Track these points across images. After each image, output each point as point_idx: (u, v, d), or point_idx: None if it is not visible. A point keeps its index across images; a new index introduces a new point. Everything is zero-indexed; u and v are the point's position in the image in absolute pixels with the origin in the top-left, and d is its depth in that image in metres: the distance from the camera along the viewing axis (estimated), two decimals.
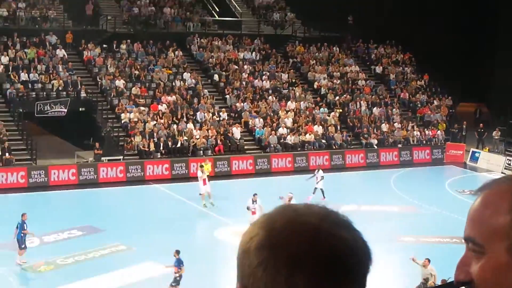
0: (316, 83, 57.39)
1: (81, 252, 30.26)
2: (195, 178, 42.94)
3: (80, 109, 46.49)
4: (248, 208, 32.99)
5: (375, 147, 51.94)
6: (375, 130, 53.46)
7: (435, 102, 59.26)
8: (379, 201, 40.56)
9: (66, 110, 45.06)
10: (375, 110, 55.82)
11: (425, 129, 55.20)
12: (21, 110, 44.93)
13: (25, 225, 28.48)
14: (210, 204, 36.88)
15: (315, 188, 40.03)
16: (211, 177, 43.09)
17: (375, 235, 33.49)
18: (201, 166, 38.62)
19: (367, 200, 40.45)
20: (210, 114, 49.58)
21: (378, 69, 61.87)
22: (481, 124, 56.16)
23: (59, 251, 30.23)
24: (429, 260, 27.05)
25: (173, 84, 51.64)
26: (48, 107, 45.11)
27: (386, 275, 29.75)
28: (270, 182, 44.61)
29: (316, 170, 41.24)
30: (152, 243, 30.88)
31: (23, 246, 28.37)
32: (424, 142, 54.28)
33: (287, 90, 55.05)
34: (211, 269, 29.64)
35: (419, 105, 58.84)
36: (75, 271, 28.25)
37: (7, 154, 41.26)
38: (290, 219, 1.77)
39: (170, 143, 46.08)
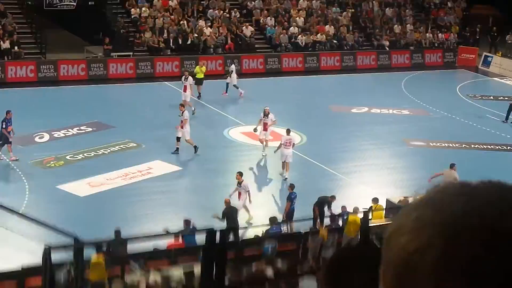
0: None
1: (90, 149, 30.29)
2: (206, 76, 42.80)
3: (90, 2, 45.86)
4: (255, 130, 31.90)
5: (387, 48, 51.41)
6: (387, 31, 52.80)
7: (449, 4, 58.36)
8: (389, 104, 40.40)
9: (75, 4, 44.49)
10: (388, 10, 55.03)
11: (438, 32, 54.49)
12: (29, 2, 44.38)
13: (4, 122, 28.29)
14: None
15: (227, 83, 39.97)
16: (221, 76, 42.92)
17: (385, 138, 33.60)
18: (186, 71, 38.00)
19: (378, 103, 40.30)
20: (221, 11, 48.93)
21: None
22: (494, 28, 55.37)
23: (69, 147, 30.25)
24: (452, 166, 26.89)
25: None
26: (57, 0, 44.49)
27: (397, 178, 29.86)
28: (281, 82, 44.38)
29: (229, 64, 41.62)
30: (161, 141, 30.83)
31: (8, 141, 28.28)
32: (436, 45, 53.66)
33: None
34: (221, 167, 29.71)
35: (432, 7, 57.97)
36: (85, 167, 28.34)
37: (16, 47, 40.92)
38: (480, 220, 1.20)
39: (180, 40, 45.62)
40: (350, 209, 23.64)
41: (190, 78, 36.27)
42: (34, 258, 11.05)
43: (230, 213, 22.98)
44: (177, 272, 18.58)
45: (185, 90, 36.04)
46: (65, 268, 16.80)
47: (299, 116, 37.04)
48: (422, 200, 1.27)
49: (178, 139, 30.28)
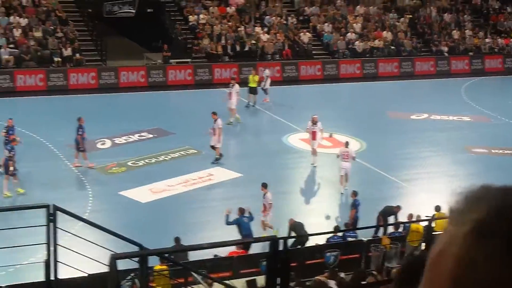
0: None
1: (151, 155, 30.53)
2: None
3: (148, 10, 46.22)
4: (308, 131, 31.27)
5: (446, 54, 50.94)
6: (445, 37, 52.34)
7: (509, 9, 57.63)
8: (449, 110, 40.00)
9: (134, 11, 44.89)
10: (446, 16, 54.57)
11: (498, 37, 53.84)
12: (90, 10, 44.93)
13: (80, 129, 28.53)
14: (236, 120, 35.84)
15: (264, 89, 39.62)
16: (279, 82, 42.98)
17: (446, 144, 33.26)
18: (232, 79, 37.86)
19: (437, 109, 39.94)
20: (278, 18, 48.99)
21: None
22: None
23: (130, 153, 30.53)
24: None
25: None
26: (117, 8, 44.96)
27: (459, 185, 29.46)
28: (338, 88, 44.25)
29: (263, 70, 40.90)
30: (222, 147, 30.87)
31: (81, 148, 28.57)
32: (496, 50, 53.03)
33: None
34: (280, 174, 29.68)
35: (491, 12, 57.31)
36: (146, 173, 28.56)
37: (77, 54, 41.46)
38: None
39: (238, 47, 45.78)
40: (413, 217, 23.47)
41: (236, 85, 36.10)
42: (98, 266, 11.11)
43: (296, 228, 22.65)
44: (239, 282, 18.64)
45: (230, 98, 35.90)
46: (129, 278, 16.97)
47: (358, 122, 36.89)
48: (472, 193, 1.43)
49: (212, 147, 30.12)
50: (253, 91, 38.34)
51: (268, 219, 24.89)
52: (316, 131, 30.52)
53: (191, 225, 24.43)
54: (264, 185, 24.86)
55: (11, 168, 25.84)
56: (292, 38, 47.80)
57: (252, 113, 37.36)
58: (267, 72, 40.13)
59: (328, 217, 25.40)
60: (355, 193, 24.92)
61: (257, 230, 22.98)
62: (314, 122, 30.74)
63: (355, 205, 24.57)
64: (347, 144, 28.88)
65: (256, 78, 38.84)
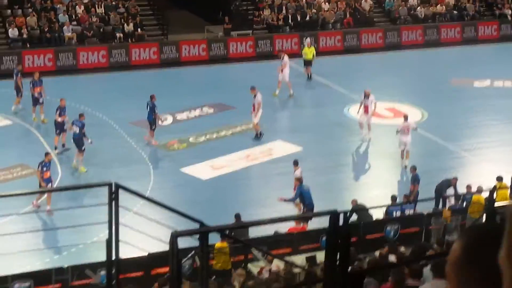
0: None
1: (212, 130, 30.75)
2: (325, 53, 42.71)
3: None
4: (361, 104, 30.30)
5: (509, 18, 49.94)
6: (509, 0, 51.29)
7: None
8: None
9: None
10: None
11: None
12: None
13: (155, 107, 28.82)
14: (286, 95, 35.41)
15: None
16: (340, 52, 42.88)
17: (510, 112, 32.78)
18: (280, 51, 37.36)
19: (501, 75, 39.29)
20: None
21: None
22: None
23: (191, 129, 30.78)
24: None
25: None
26: None
27: None
28: (400, 56, 43.81)
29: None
30: (281, 120, 30.96)
31: (153, 127, 28.92)
32: None
33: None
34: (340, 147, 29.67)
35: None
36: (207, 149, 28.80)
37: (139, 29, 41.81)
38: None
39: (299, 17, 45.62)
40: (473, 188, 23.29)
41: (285, 57, 35.81)
42: (159, 244, 11.32)
43: (359, 212, 22.47)
44: (299, 258, 18.79)
45: (282, 71, 35.60)
46: (190, 255, 17.24)
47: (419, 91, 36.59)
48: None
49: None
50: (308, 63, 37.89)
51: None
52: (368, 105, 29.82)
53: (252, 201, 24.65)
54: (296, 163, 24.74)
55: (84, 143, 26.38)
56: (353, 6, 47.44)
57: (313, 84, 37.26)
58: (308, 40, 39.57)
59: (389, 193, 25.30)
60: (414, 168, 24.79)
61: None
62: (366, 95, 30.05)
63: (416, 180, 24.43)
64: (406, 117, 28.23)
65: (312, 50, 38.23)
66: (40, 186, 22.81)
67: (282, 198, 22.91)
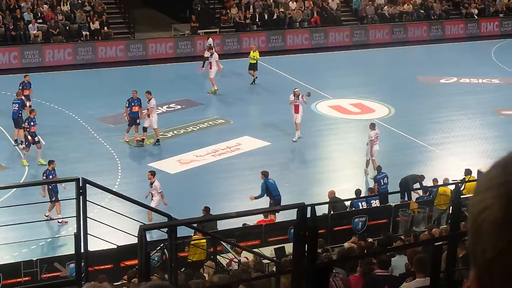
0: None
1: (180, 126, 30.72)
2: (291, 51, 42.87)
3: None
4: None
5: (476, 17, 50.40)
6: None
7: None
8: (479, 73, 39.74)
9: None
10: None
11: None
12: None
13: (134, 101, 28.78)
14: (211, 90, 35.26)
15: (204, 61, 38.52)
16: (307, 50, 43.02)
17: (475, 108, 33.10)
18: (210, 48, 37.04)
19: (467, 72, 39.72)
20: None
21: None
22: None
23: (159, 125, 30.63)
24: None
25: None
26: None
27: (489, 148, 29.38)
28: (367, 54, 44.01)
29: (207, 37, 39.90)
30: (249, 116, 30.95)
31: (138, 121, 28.88)
32: None
33: None
34: (308, 142, 29.73)
35: None
36: (175, 144, 28.76)
37: (105, 27, 41.61)
38: None
39: (266, 15, 45.66)
40: (440, 181, 23.46)
41: (215, 54, 35.74)
42: (127, 237, 11.29)
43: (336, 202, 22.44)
44: (268, 250, 18.79)
45: (210, 67, 35.56)
46: (159, 248, 17.17)
47: (387, 88, 36.77)
48: (501, 160, 1.32)
49: (144, 129, 28.61)
50: (253, 67, 37.10)
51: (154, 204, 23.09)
52: (299, 105, 29.33)
53: (220, 195, 24.65)
54: (152, 173, 23.24)
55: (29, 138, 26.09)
56: (321, 4, 47.57)
57: (281, 81, 37.30)
58: (210, 41, 39.30)
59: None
60: (378, 169, 24.92)
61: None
62: (296, 95, 29.42)
63: (377, 180, 24.52)
64: (373, 126, 27.18)
65: (257, 54, 37.31)
66: (51, 198, 22.18)
67: (253, 197, 22.89)
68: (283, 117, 30.87)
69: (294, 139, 29.49)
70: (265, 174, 23.28)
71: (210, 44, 38.45)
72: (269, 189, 22.96)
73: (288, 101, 29.67)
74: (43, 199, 21.04)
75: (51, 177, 22.68)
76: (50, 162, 23.24)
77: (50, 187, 22.24)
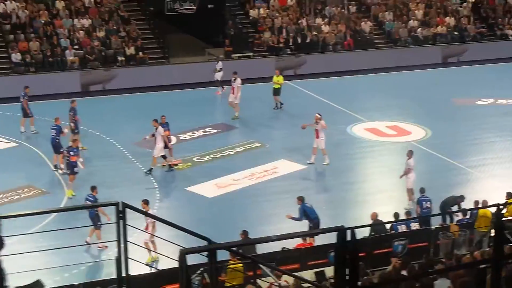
0: None
1: (216, 150, 30.79)
2: (324, 74, 42.91)
3: (209, 6, 46.42)
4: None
5: (510, 38, 50.12)
6: (510, 20, 51.48)
7: None
8: None
9: (195, 7, 45.17)
10: None
11: None
12: (151, 8, 45.33)
13: (163, 126, 28.85)
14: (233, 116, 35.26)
15: (216, 80, 39.04)
16: (340, 73, 43.02)
17: None
18: (234, 73, 36.15)
19: (503, 94, 39.39)
20: (339, 8, 48.83)
21: None
22: None
23: (196, 149, 30.84)
24: None
25: None
26: (178, 5, 45.30)
27: None
28: (401, 77, 43.88)
29: (216, 62, 39.97)
30: (285, 140, 30.88)
31: (170, 145, 29.05)
32: None
33: None
34: (345, 165, 29.64)
35: None
36: (212, 168, 28.80)
37: (140, 53, 41.92)
38: None
39: (299, 39, 45.75)
40: (480, 203, 23.25)
41: (238, 79, 35.55)
42: (167, 261, 11.31)
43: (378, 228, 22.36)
44: (307, 274, 18.69)
45: (232, 92, 35.53)
46: (199, 272, 17.13)
47: (423, 110, 36.64)
48: None
49: (164, 156, 28.52)
50: (276, 92, 36.99)
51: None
52: (319, 130, 29.05)
53: (258, 219, 24.60)
54: (146, 202, 21.95)
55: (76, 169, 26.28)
56: (353, 28, 47.60)
57: (315, 104, 37.27)
58: (220, 64, 39.51)
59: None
60: (421, 190, 24.49)
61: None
62: (316, 120, 29.17)
63: (419, 202, 24.24)
64: (411, 153, 26.44)
65: (281, 79, 37.22)
66: (94, 223, 22.21)
67: (289, 216, 22.81)
68: None
69: (324, 163, 29.38)
70: (301, 200, 23.21)
71: (221, 68, 38.69)
72: (307, 213, 22.89)
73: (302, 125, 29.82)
74: (85, 223, 21.10)
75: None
76: (93, 188, 23.15)
77: (94, 213, 22.24)
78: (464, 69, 45.96)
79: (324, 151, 29.29)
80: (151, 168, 28.21)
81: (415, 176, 26.09)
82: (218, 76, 39.20)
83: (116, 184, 26.86)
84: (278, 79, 37.00)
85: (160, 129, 28.33)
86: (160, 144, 28.26)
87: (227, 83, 37.03)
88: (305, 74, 43.26)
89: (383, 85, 41.90)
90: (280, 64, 42.75)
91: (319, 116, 29.51)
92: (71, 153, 26.33)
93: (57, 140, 28.15)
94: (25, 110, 32.23)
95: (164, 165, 28.74)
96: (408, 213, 23.73)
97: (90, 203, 22.56)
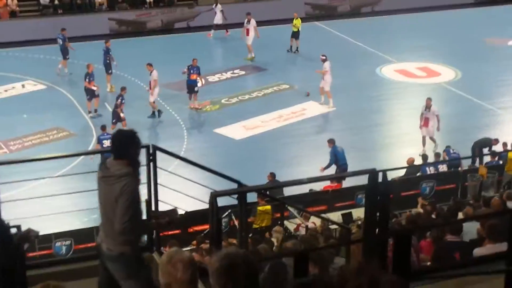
0: None
1: (244, 92, 30.75)
2: (352, 15, 42.48)
3: None
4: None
5: None
6: None
7: None
8: None
9: None
10: None
11: None
12: None
13: (193, 69, 28.79)
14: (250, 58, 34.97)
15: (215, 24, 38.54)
16: (371, 13, 42.48)
17: None
18: (248, 14, 35.89)
19: None
20: None
21: None
22: None
23: (224, 91, 30.79)
24: None
25: None
26: None
27: None
28: (433, 17, 43.27)
29: (214, 5, 39.03)
30: (314, 81, 30.69)
31: (196, 89, 28.95)
32: None
33: None
34: (373, 106, 29.48)
35: None
36: (240, 110, 28.79)
37: None
38: None
39: None
40: (509, 146, 23.10)
41: (253, 20, 35.18)
42: (195, 202, 11.33)
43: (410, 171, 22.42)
44: (335, 215, 18.77)
45: (247, 34, 35.19)
46: (227, 213, 17.24)
47: (453, 50, 36.22)
48: None
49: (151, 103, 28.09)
50: (295, 35, 36.47)
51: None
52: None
53: (285, 161, 24.59)
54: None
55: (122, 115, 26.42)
56: None
57: (345, 45, 37.01)
58: (219, 6, 38.88)
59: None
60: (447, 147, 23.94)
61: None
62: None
63: (446, 150, 23.84)
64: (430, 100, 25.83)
65: (298, 22, 36.56)
66: None
67: (322, 168, 22.77)
68: (347, 80, 30.72)
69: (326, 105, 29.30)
70: (332, 142, 23.18)
71: (222, 10, 38.48)
72: (337, 157, 22.89)
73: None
74: None
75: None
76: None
77: None
78: (496, 8, 45.16)
79: (329, 94, 29.15)
80: (154, 111, 27.98)
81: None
82: (218, 19, 38.71)
83: (145, 126, 26.91)
84: (296, 22, 36.50)
85: (154, 73, 27.97)
86: (157, 89, 27.94)
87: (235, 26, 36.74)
88: (333, 15, 42.80)
89: (413, 25, 41.35)
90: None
91: (323, 57, 29.39)
92: (123, 100, 26.47)
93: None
94: (66, 51, 32.49)
95: (194, 107, 28.77)
96: (437, 154, 23.64)
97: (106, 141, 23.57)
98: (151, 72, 28.04)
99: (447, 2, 45.13)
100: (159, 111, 28.01)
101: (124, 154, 7.25)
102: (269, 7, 40.94)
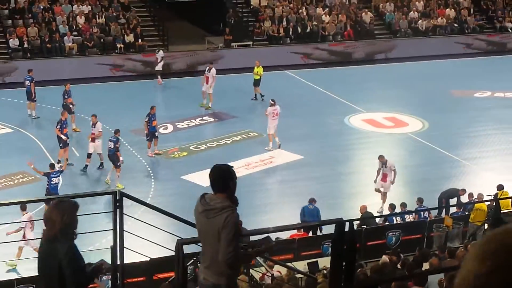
0: None
1: (213, 139, 30.79)
2: (325, 64, 42.84)
3: None
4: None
5: (510, 31, 50.03)
6: (510, 13, 51.37)
7: None
8: None
9: None
10: None
11: None
12: None
13: (153, 116, 28.73)
14: (206, 106, 35.05)
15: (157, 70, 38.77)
16: (340, 63, 42.90)
17: (510, 122, 32.83)
18: (210, 63, 36.58)
19: (501, 86, 39.33)
20: None
21: None
22: None
23: (192, 137, 30.81)
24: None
25: None
26: None
27: None
28: (400, 68, 43.82)
29: (157, 50, 39.51)
30: (282, 130, 30.84)
31: (156, 134, 28.90)
32: None
33: None
34: (343, 155, 29.63)
35: None
36: (208, 157, 28.73)
37: (139, 40, 41.83)
38: None
39: (299, 28, 45.65)
40: (475, 196, 23.28)
41: (213, 69, 35.29)
42: (160, 250, 11.27)
43: (368, 219, 22.44)
44: (301, 265, 18.71)
45: (206, 82, 35.16)
46: (192, 261, 17.10)
47: (420, 101, 36.57)
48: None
49: (89, 155, 27.33)
50: (256, 83, 36.66)
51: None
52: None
53: (252, 208, 24.52)
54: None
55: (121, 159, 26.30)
56: (354, 18, 47.48)
57: (313, 94, 37.26)
58: (161, 53, 39.22)
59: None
60: (420, 200, 23.40)
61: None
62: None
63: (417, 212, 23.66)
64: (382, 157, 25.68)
65: (261, 70, 36.50)
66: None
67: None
68: (316, 129, 30.85)
69: (266, 148, 29.78)
70: (311, 200, 22.99)
71: (163, 57, 38.69)
72: (304, 214, 22.73)
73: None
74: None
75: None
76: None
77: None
78: (463, 61, 45.79)
79: (270, 137, 29.67)
80: (102, 163, 27.54)
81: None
82: (160, 66, 38.85)
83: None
84: (258, 70, 36.58)
85: (99, 124, 27.59)
86: (100, 140, 27.42)
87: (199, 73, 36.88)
88: (304, 64, 43.14)
89: (381, 76, 41.78)
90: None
91: (272, 102, 30.03)
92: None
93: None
94: (31, 93, 32.35)
95: (158, 153, 28.74)
96: (403, 205, 23.73)
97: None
98: (94, 124, 27.53)
99: (415, 54, 45.74)
100: (101, 163, 27.57)
101: (224, 188, 7.49)
102: (238, 55, 41.29)
